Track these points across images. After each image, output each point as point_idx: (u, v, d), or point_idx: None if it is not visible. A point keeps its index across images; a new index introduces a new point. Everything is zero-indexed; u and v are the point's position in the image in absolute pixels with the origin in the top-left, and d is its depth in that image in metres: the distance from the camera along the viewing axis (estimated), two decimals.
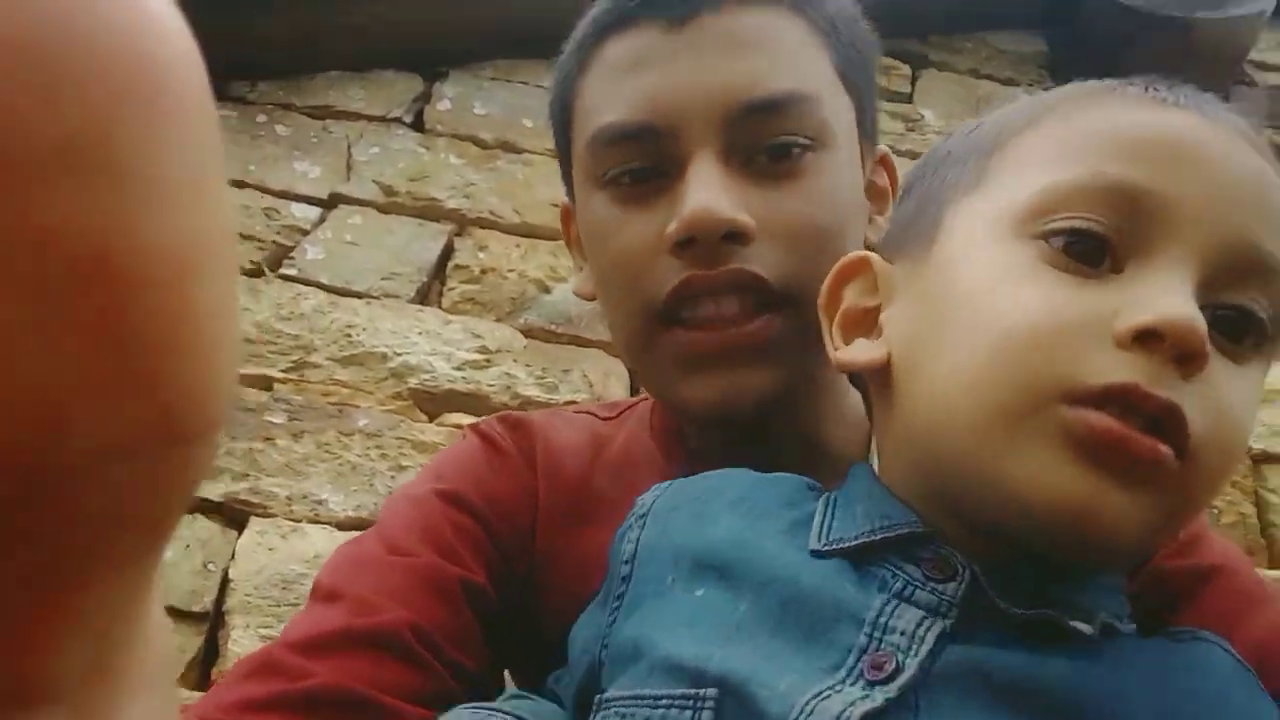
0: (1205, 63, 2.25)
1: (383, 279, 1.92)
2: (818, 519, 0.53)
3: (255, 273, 1.90)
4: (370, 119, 2.18)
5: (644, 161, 0.68)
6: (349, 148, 2.11)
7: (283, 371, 1.77)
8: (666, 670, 0.48)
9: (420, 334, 1.84)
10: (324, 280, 1.90)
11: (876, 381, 0.56)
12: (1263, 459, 1.83)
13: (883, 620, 0.48)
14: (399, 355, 1.81)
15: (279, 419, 1.70)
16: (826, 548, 0.51)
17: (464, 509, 0.69)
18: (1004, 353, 0.47)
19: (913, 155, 2.29)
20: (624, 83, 0.69)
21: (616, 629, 0.54)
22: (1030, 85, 2.44)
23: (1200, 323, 0.46)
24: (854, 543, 0.51)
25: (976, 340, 0.48)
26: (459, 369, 1.80)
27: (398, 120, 2.18)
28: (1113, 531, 0.47)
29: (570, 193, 0.79)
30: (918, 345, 0.52)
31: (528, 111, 2.19)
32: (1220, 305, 0.48)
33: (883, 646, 0.46)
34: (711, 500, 0.56)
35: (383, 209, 2.03)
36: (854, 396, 0.72)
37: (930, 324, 0.52)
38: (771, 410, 0.67)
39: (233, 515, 1.61)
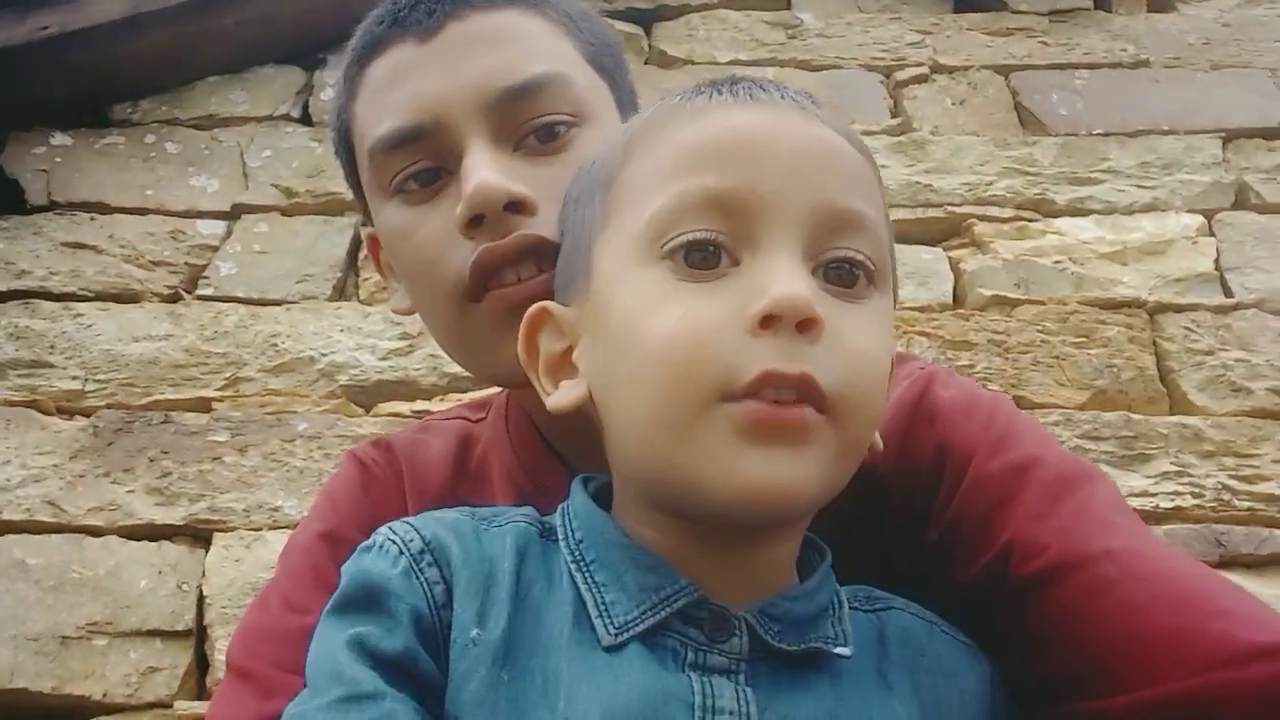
0: None
1: (297, 283, 1.97)
2: (590, 599, 0.55)
3: (174, 298, 1.95)
4: (259, 120, 2.19)
5: (424, 161, 0.71)
6: (242, 155, 2.13)
7: (218, 390, 1.84)
8: None
9: (342, 331, 1.90)
10: (241, 294, 1.95)
11: (592, 415, 0.59)
12: (1157, 310, 1.92)
13: (710, 703, 0.52)
14: (325, 355, 1.87)
15: (223, 437, 1.78)
16: (619, 638, 0.53)
17: (344, 549, 0.66)
18: (663, 369, 0.52)
19: (798, 63, 2.33)
20: (389, 96, 0.72)
21: (451, 708, 0.54)
22: None
23: (803, 294, 0.52)
24: (642, 626, 0.54)
25: (639, 364, 0.53)
26: (384, 359, 1.87)
27: (285, 117, 2.20)
28: (791, 491, 0.53)
29: (369, 220, 0.81)
30: (604, 376, 0.57)
31: None
32: (829, 262, 0.55)
33: None
34: (491, 587, 0.56)
35: (286, 212, 2.07)
36: None
37: (606, 355, 0.57)
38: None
39: (196, 535, 1.70)
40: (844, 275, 0.56)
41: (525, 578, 0.57)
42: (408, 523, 0.59)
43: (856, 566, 0.68)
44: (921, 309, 1.92)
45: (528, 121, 0.71)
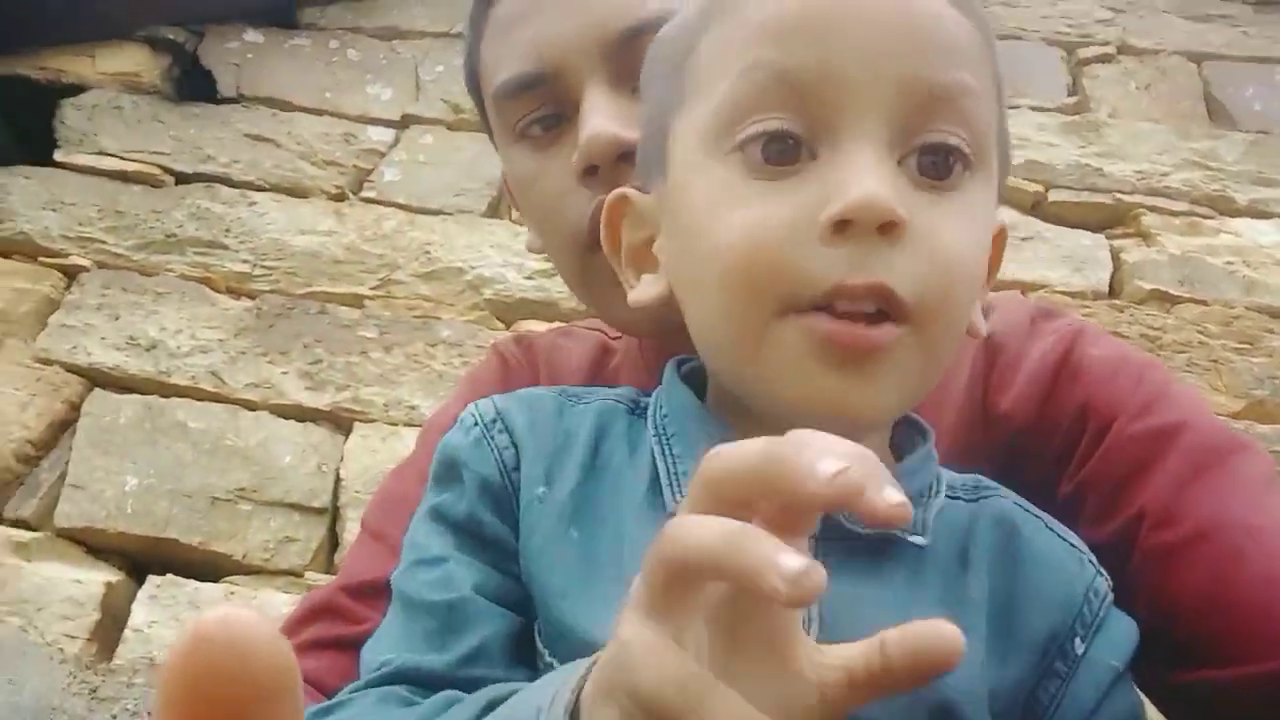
0: None
1: (455, 195, 2.04)
2: (664, 468, 0.55)
3: (339, 197, 2.04)
4: (435, 36, 2.26)
5: (546, 108, 0.70)
6: (416, 67, 2.21)
7: (371, 289, 1.93)
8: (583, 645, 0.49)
9: (492, 246, 1.96)
10: (401, 200, 2.03)
11: (677, 307, 0.56)
12: None
13: None
14: (474, 268, 1.94)
15: (371, 333, 1.86)
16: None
17: None
18: (730, 279, 0.49)
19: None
20: (510, 39, 0.70)
21: (524, 564, 0.56)
22: None
23: (881, 196, 0.47)
24: None
25: (709, 271, 0.50)
26: (529, 278, 1.93)
27: (460, 35, 2.25)
28: (867, 413, 0.51)
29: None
30: (681, 273, 0.55)
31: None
32: (921, 148, 0.49)
33: None
34: (562, 454, 0.57)
35: (451, 126, 2.14)
36: None
37: (681, 252, 0.54)
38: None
39: (338, 422, 1.80)
40: (938, 164, 0.51)
41: (605, 449, 0.57)
42: (490, 399, 0.60)
43: None
44: (1074, 294, 1.86)
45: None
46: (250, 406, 1.78)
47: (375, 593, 0.68)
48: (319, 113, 2.15)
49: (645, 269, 0.58)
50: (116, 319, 1.85)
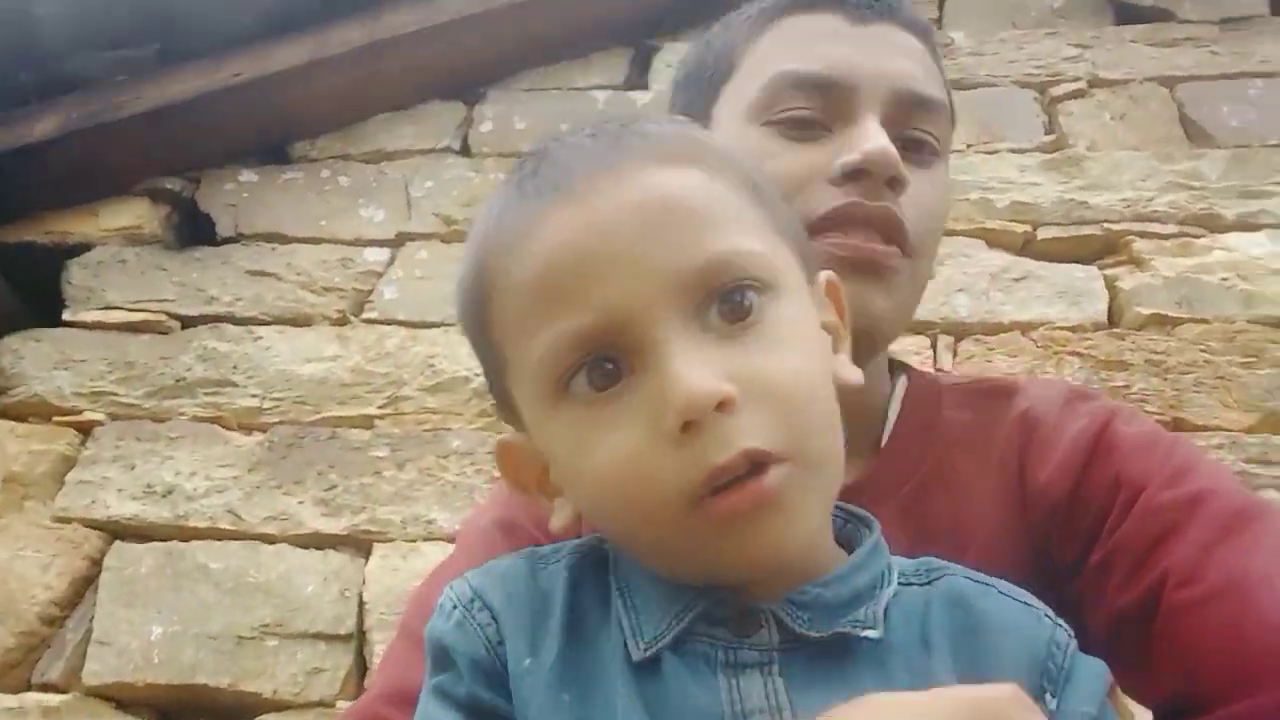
0: None
1: (453, 306, 2.07)
2: (625, 622, 0.56)
3: (342, 321, 2.09)
4: (422, 153, 2.33)
5: (812, 110, 0.76)
6: (406, 186, 2.27)
7: (379, 408, 1.96)
8: None
9: None
10: (402, 317, 2.07)
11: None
12: None
13: (738, 708, 0.52)
14: (478, 375, 1.96)
15: (383, 452, 1.89)
16: (648, 652, 0.54)
17: (520, 536, 0.76)
18: (617, 508, 0.54)
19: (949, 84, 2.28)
20: (809, 46, 0.78)
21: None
22: None
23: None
24: (669, 637, 0.54)
25: (598, 501, 0.56)
26: None
27: (446, 149, 2.32)
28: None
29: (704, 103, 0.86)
30: (579, 499, 0.59)
31: (564, 116, 2.29)
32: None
33: None
34: (541, 621, 0.58)
35: (444, 239, 2.18)
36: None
37: (568, 485, 0.59)
38: (881, 340, 0.77)
39: (358, 545, 1.81)
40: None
41: (580, 607, 0.58)
42: (463, 578, 0.61)
43: (1031, 590, 0.69)
44: (1073, 329, 1.85)
45: (910, 128, 0.77)
46: (269, 540, 1.80)
47: (411, 701, 0.67)
48: (316, 241, 2.20)
49: (554, 494, 0.61)
50: (132, 469, 1.89)
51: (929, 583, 0.59)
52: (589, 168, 0.56)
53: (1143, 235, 1.94)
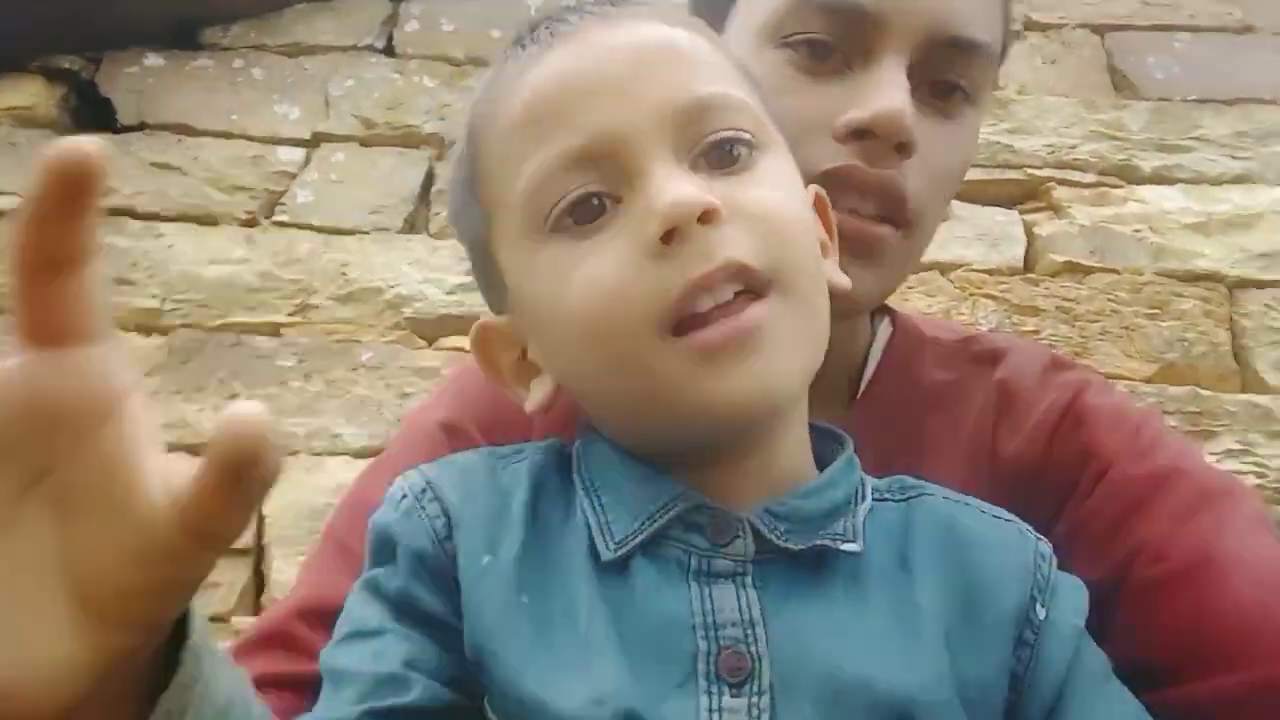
0: None
1: (371, 213, 2.01)
2: (593, 519, 0.55)
3: (251, 222, 2.01)
4: (343, 49, 2.22)
5: (834, 38, 0.68)
6: (325, 84, 2.16)
7: (288, 316, 1.89)
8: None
9: (410, 264, 1.94)
10: (316, 222, 2.00)
11: (574, 397, 0.60)
12: (1238, 284, 1.85)
13: (710, 619, 0.51)
14: (392, 287, 1.92)
15: (290, 362, 1.83)
16: (619, 552, 0.53)
17: (465, 442, 0.73)
18: (593, 330, 0.53)
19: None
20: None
21: (472, 639, 0.54)
22: None
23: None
24: (641, 537, 0.53)
25: (575, 336, 0.54)
26: (450, 294, 1.91)
27: (369, 48, 2.22)
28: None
29: (708, 20, 0.77)
30: (559, 361, 0.58)
31: (495, 22, 2.21)
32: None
33: (723, 643, 0.50)
34: (501, 519, 0.56)
35: (364, 142, 2.10)
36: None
37: (550, 344, 0.58)
38: (852, 316, 0.74)
39: None
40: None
41: (542, 509, 0.57)
42: (417, 469, 0.60)
43: None
44: (990, 271, 1.88)
45: (943, 74, 0.69)
46: (167, 448, 1.74)
47: (332, 618, 0.63)
48: (226, 136, 2.09)
49: (530, 378, 0.60)
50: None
51: (906, 500, 0.59)
52: (588, 19, 0.56)
53: (1063, 183, 1.97)
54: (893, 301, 0.83)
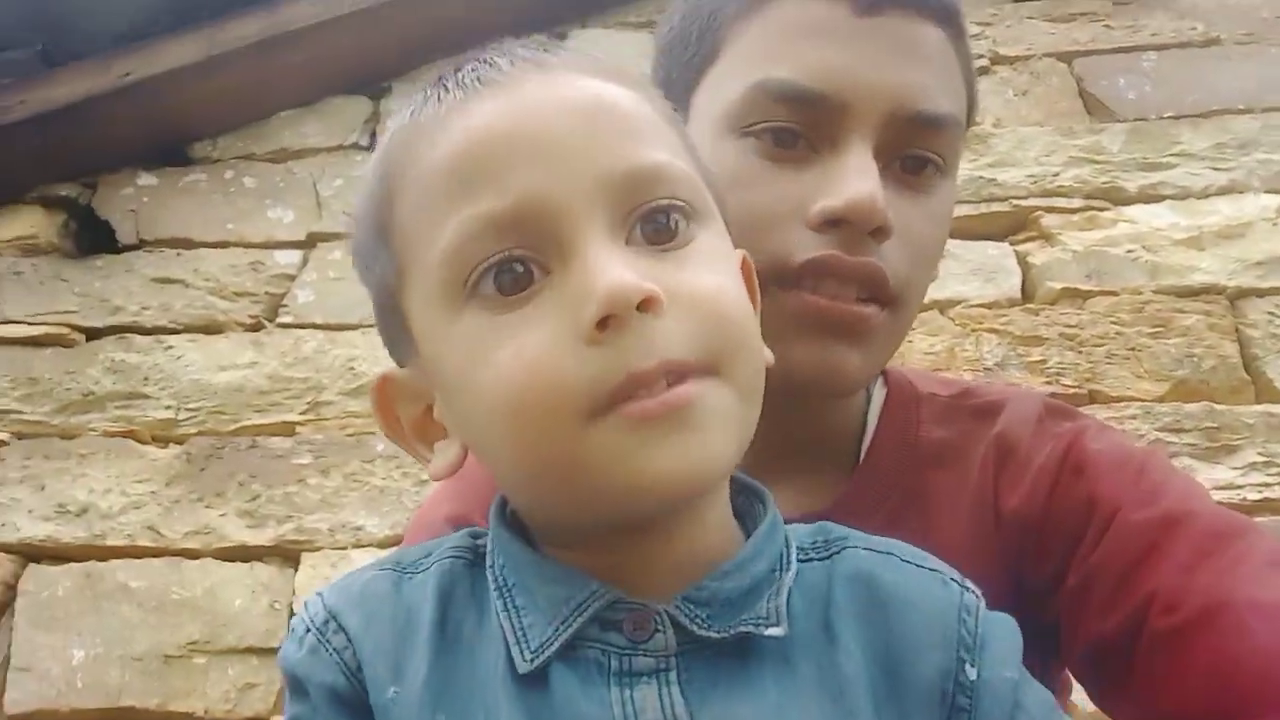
0: None
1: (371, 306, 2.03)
2: (507, 625, 0.52)
3: (256, 327, 2.03)
4: (330, 150, 2.26)
5: (797, 125, 0.68)
6: (315, 185, 2.20)
7: (300, 414, 1.91)
8: None
9: None
10: (319, 320, 2.02)
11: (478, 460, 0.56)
12: (1238, 295, 1.86)
13: (630, 717, 0.49)
14: None
15: (306, 460, 1.84)
16: (535, 663, 0.50)
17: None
18: (520, 410, 0.48)
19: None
20: (801, 44, 0.68)
21: None
22: None
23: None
24: (558, 644, 0.50)
25: (496, 418, 0.49)
26: None
27: (354, 146, 2.27)
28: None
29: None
30: (469, 429, 0.53)
31: None
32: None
33: None
34: (407, 640, 0.53)
35: None
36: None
37: (463, 407, 0.53)
38: (844, 396, 0.73)
39: (286, 555, 1.77)
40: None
41: (453, 618, 0.54)
42: (318, 594, 0.57)
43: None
44: (989, 305, 1.90)
45: (909, 149, 0.69)
46: (192, 555, 1.75)
47: None
48: (223, 245, 2.13)
49: (434, 437, 0.56)
50: (42, 489, 1.82)
51: (828, 556, 0.56)
52: (522, 66, 0.52)
53: (1050, 210, 1.99)
54: (903, 342, 0.84)
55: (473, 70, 0.53)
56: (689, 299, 0.48)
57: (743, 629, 0.50)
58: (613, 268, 0.46)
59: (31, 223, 2.13)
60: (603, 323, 0.46)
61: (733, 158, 0.69)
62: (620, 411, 0.46)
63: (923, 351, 1.81)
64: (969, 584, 0.56)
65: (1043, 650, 0.73)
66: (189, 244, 2.13)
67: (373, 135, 2.28)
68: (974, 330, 1.85)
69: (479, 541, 0.58)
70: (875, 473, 0.77)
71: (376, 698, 0.52)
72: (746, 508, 0.57)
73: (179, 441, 1.88)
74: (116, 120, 2.17)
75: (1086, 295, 1.88)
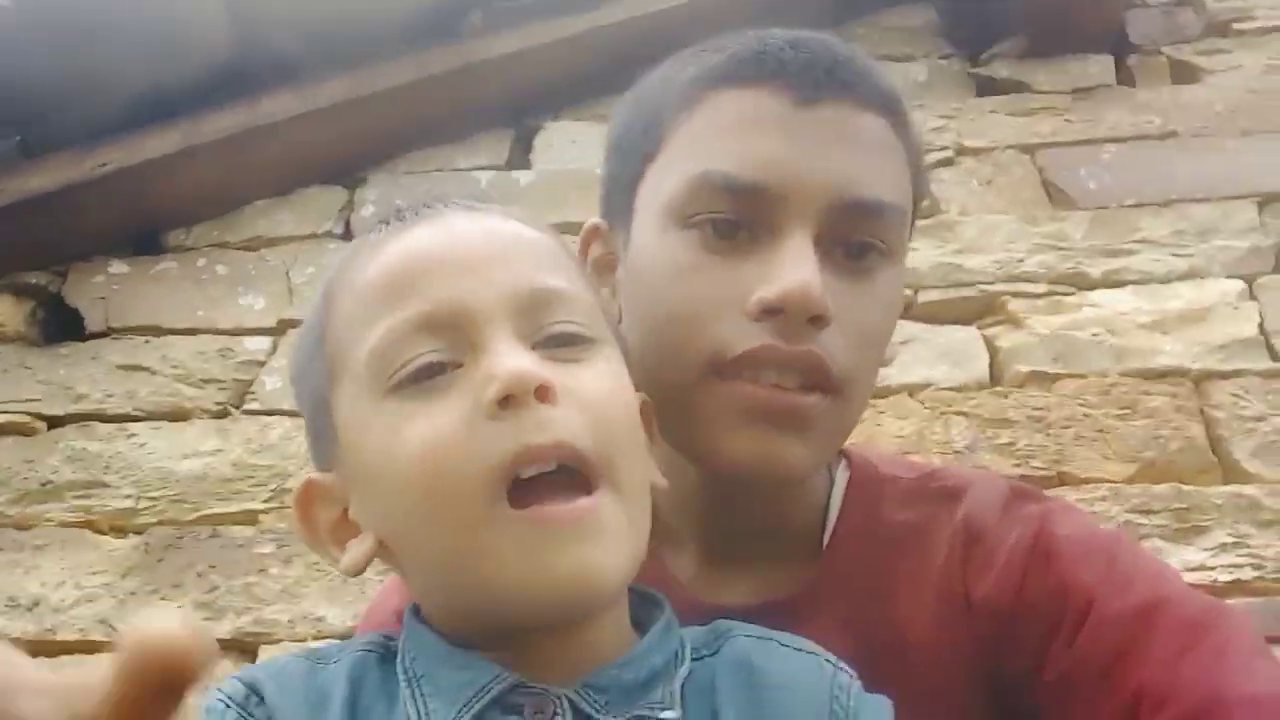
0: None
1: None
2: (412, 711, 0.55)
3: (222, 414, 2.01)
4: (302, 238, 2.28)
5: (737, 216, 0.69)
6: (287, 272, 2.21)
7: (264, 502, 1.87)
8: None
9: None
10: (286, 407, 2.00)
11: (387, 561, 0.61)
12: (1202, 377, 1.87)
13: None
14: None
15: (268, 549, 1.81)
16: None
17: None
18: (425, 493, 0.54)
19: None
20: (741, 136, 0.69)
21: None
22: (926, 57, 2.50)
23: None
24: None
25: (404, 497, 0.56)
26: None
27: (328, 234, 2.28)
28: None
29: (613, 215, 0.79)
30: (381, 519, 0.59)
31: (449, 198, 2.27)
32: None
33: None
34: (320, 712, 0.56)
35: None
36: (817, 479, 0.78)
37: (374, 498, 0.59)
38: (790, 485, 0.72)
39: (243, 648, 1.72)
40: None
41: (363, 703, 0.57)
42: (234, 675, 0.59)
43: (974, 703, 0.70)
44: (958, 389, 1.90)
45: (851, 235, 0.69)
46: None
47: None
48: (192, 332, 2.12)
49: (346, 539, 0.61)
50: None
51: (716, 651, 0.60)
52: (454, 208, 0.62)
53: (1016, 295, 2.01)
54: (867, 426, 0.85)
55: (411, 210, 0.63)
56: (582, 399, 0.55)
57: (638, 712, 0.54)
58: (515, 357, 0.54)
59: (0, 310, 2.12)
60: (504, 402, 0.53)
61: (675, 249, 0.71)
62: (528, 514, 0.52)
63: (892, 434, 1.80)
64: (843, 666, 0.60)
65: None
66: (158, 331, 2.12)
67: (347, 224, 2.30)
68: (943, 413, 1.84)
69: (390, 641, 0.62)
70: (839, 560, 0.76)
71: None
72: (645, 615, 0.62)
73: (138, 531, 1.84)
74: (91, 209, 2.18)
75: (1054, 378, 1.89)
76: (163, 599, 1.74)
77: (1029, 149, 2.29)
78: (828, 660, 0.60)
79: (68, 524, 1.85)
